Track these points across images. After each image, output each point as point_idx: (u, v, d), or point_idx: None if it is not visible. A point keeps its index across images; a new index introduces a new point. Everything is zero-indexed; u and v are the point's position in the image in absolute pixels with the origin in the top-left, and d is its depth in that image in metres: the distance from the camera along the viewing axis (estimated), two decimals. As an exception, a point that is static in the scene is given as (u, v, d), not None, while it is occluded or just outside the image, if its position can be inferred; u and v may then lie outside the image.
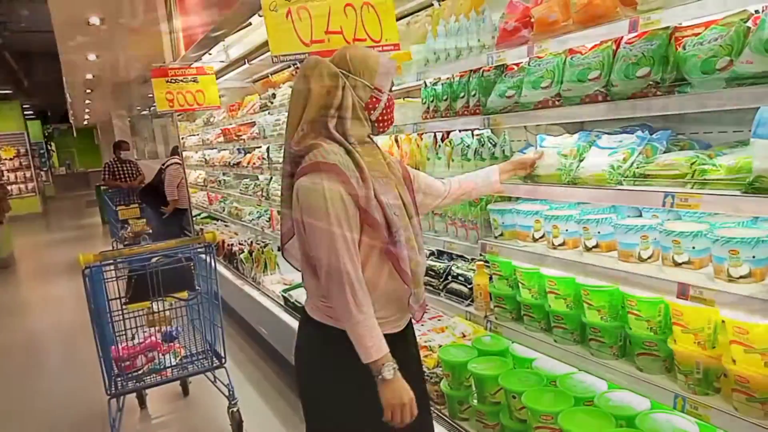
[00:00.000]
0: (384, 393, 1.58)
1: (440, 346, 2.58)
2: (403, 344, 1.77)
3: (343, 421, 1.74)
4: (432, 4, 2.95)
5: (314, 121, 1.65)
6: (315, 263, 1.66)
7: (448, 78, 2.55)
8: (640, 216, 1.95)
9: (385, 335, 1.62)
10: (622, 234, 1.73)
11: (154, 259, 2.95)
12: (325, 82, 1.65)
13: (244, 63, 4.83)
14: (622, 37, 1.77)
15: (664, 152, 1.82)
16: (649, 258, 1.70)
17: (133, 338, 3.25)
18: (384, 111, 1.76)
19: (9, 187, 12.81)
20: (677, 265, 1.59)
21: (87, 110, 19.89)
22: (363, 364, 1.58)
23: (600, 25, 1.73)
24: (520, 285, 2.13)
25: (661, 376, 1.67)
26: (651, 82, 1.66)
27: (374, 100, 1.72)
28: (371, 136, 1.77)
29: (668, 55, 1.65)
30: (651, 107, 1.66)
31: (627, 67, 1.70)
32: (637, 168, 1.74)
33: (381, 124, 1.77)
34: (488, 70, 2.33)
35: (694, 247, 1.55)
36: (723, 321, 1.48)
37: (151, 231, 7.47)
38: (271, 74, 5.52)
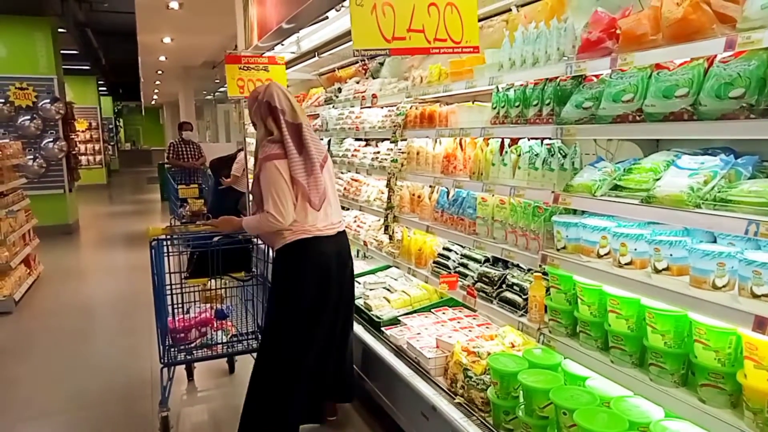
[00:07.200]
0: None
1: (489, 353, 2.56)
2: None
3: None
4: (510, 10, 2.92)
5: None
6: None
7: (521, 84, 2.52)
8: (715, 242, 1.87)
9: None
10: (697, 259, 1.67)
11: (216, 239, 3.05)
12: None
13: (314, 56, 4.92)
14: (716, 55, 1.71)
15: (749, 178, 1.75)
16: (723, 287, 1.63)
17: (188, 312, 3.37)
18: None
19: (79, 158, 13.49)
20: (756, 296, 1.52)
21: (156, 90, 20.73)
22: None
23: (693, 42, 1.68)
24: (579, 300, 2.08)
25: (726, 411, 1.60)
26: (744, 104, 1.59)
27: None
28: None
29: (766, 77, 1.57)
30: (744, 130, 1.59)
31: (719, 86, 1.64)
32: (719, 192, 1.67)
33: None
34: (565, 80, 2.29)
35: (776, 280, 1.48)
36: (802, 360, 1.41)
37: (205, 211, 7.72)
38: (338, 69, 5.59)
